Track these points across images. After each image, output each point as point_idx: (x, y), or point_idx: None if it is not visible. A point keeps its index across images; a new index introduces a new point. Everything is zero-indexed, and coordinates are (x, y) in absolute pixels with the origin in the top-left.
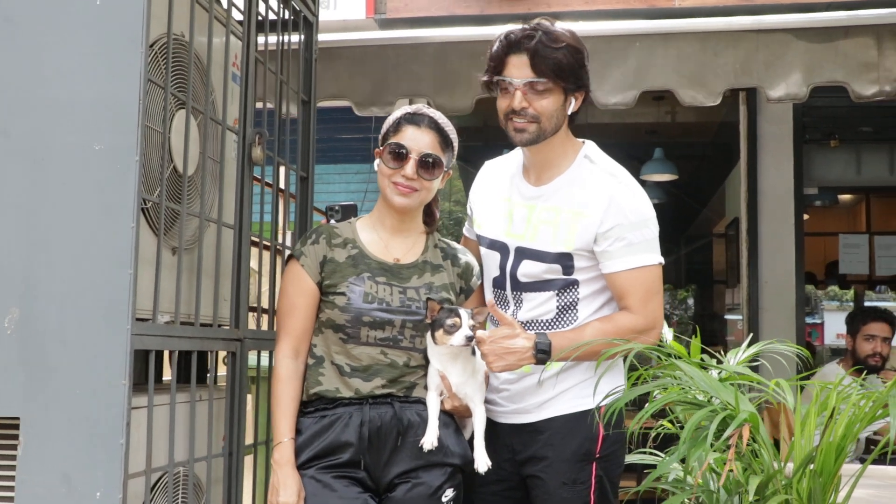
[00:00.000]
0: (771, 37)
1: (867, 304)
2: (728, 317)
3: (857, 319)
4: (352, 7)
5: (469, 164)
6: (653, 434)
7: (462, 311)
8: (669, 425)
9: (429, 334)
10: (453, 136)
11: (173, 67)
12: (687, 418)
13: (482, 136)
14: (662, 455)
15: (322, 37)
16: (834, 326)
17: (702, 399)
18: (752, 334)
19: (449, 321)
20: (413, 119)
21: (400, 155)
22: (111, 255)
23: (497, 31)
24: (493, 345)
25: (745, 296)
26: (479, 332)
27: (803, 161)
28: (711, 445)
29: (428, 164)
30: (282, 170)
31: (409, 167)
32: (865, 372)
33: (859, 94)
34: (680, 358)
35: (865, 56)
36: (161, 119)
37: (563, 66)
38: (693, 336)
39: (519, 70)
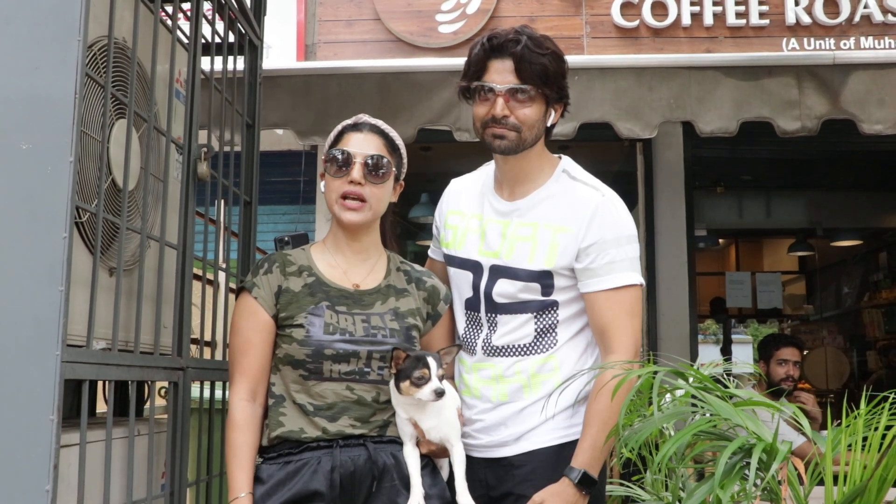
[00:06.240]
0: (702, 73)
1: (735, 335)
2: None
3: (770, 345)
4: (283, 56)
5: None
6: (612, 463)
7: (430, 360)
8: (628, 453)
9: (392, 384)
10: (399, 142)
11: (114, 73)
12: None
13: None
14: (632, 485)
15: (265, 64)
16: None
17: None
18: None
19: (416, 373)
20: (355, 126)
21: (345, 160)
22: (39, 270)
23: (434, 62)
24: None
25: (644, 328)
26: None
27: (694, 205)
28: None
29: (376, 167)
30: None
31: (356, 171)
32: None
33: (784, 129)
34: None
35: (788, 94)
36: (99, 127)
37: (549, 72)
38: None
39: (501, 76)
